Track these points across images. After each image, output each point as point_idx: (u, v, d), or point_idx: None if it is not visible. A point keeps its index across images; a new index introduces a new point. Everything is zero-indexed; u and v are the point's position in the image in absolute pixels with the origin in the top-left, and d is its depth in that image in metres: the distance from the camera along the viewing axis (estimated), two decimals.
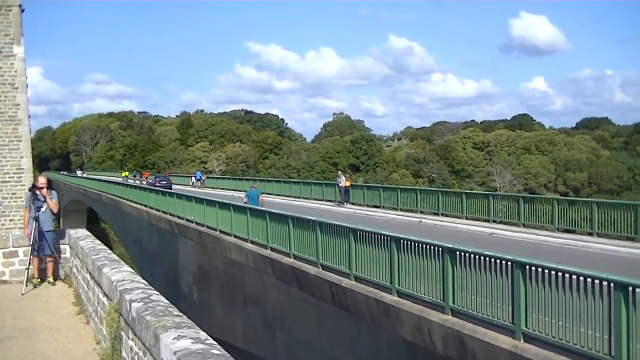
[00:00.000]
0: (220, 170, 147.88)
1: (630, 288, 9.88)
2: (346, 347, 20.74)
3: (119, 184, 65.16)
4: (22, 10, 21.56)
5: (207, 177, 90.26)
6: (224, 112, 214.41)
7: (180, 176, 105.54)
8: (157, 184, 74.21)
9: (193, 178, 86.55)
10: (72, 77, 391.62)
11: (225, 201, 30.81)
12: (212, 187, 75.54)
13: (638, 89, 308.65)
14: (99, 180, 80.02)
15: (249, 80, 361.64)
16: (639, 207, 23.49)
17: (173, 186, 73.21)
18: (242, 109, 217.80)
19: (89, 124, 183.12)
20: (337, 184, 46.41)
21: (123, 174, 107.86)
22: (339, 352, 21.19)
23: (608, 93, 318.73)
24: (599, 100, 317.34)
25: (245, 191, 42.82)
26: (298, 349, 24.16)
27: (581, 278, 10.73)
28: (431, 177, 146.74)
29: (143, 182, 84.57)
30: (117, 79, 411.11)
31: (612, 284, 10.15)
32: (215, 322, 31.52)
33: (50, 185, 18.52)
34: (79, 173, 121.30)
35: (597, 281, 10.42)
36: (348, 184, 46.32)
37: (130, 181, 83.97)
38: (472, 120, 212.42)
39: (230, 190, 66.86)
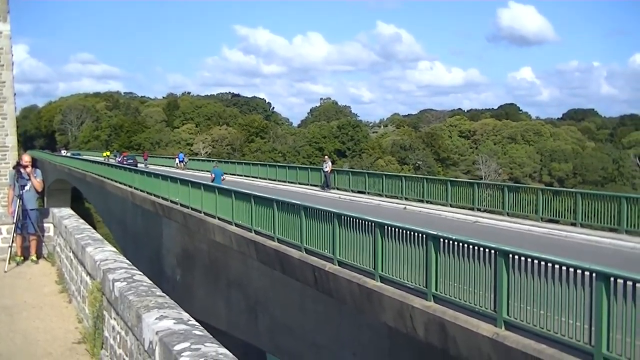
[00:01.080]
0: (206, 152, 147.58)
1: (612, 279, 9.94)
2: (329, 332, 20.79)
3: (103, 163, 64.91)
4: None
5: (190, 159, 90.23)
6: (210, 94, 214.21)
7: (165, 157, 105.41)
8: (124, 163, 77.25)
9: (177, 159, 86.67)
10: (58, 56, 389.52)
11: (210, 183, 30.78)
12: (196, 169, 75.51)
13: (624, 82, 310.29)
14: (81, 160, 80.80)
15: (236, 64, 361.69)
16: (622, 199, 23.59)
17: (159, 167, 73.73)
18: (229, 92, 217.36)
19: (75, 103, 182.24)
20: (322, 169, 46.36)
21: (104, 154, 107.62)
22: (321, 337, 21.23)
23: (594, 85, 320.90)
24: (586, 91, 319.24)
25: (225, 173, 45.74)
26: (280, 333, 24.20)
27: (564, 268, 10.78)
28: (417, 165, 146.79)
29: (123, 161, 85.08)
30: (103, 59, 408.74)
31: (594, 274, 10.21)
32: (198, 305, 31.50)
33: (34, 163, 18.46)
34: (63, 152, 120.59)
35: (579, 271, 10.48)
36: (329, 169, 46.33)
37: (112, 161, 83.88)
38: (459, 109, 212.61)
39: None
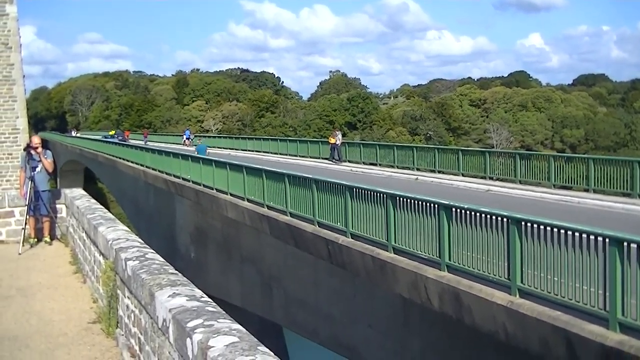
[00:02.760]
0: (217, 129, 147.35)
1: (625, 243, 9.90)
2: (343, 305, 20.84)
3: (115, 143, 65.02)
4: None
5: (196, 136, 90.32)
6: (219, 70, 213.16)
7: (169, 135, 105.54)
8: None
9: (183, 136, 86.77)
10: (66, 36, 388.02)
11: (222, 159, 30.77)
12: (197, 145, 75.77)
13: (634, 45, 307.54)
14: (86, 139, 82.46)
15: (244, 39, 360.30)
16: (635, 164, 23.44)
17: (169, 145, 74.09)
18: (238, 68, 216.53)
19: (85, 83, 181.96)
20: (336, 143, 46.22)
21: (110, 133, 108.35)
22: (335, 310, 21.30)
23: (604, 49, 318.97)
24: (595, 56, 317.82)
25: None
26: (295, 307, 24.28)
27: (576, 234, 10.74)
28: (428, 135, 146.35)
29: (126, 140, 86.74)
30: (111, 38, 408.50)
31: (607, 240, 10.16)
32: (212, 281, 31.62)
33: (45, 145, 18.49)
34: (73, 133, 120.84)
35: (592, 237, 10.43)
36: (333, 141, 46.21)
37: (115, 140, 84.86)
38: (469, 78, 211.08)
39: (226, 149, 66.74)
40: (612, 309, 10.06)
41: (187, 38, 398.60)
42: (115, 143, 57.68)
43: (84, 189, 21.52)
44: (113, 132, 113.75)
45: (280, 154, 55.83)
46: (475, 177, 31.30)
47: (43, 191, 17.94)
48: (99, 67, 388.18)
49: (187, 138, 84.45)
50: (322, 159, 47.79)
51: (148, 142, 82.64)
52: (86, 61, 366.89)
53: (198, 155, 36.25)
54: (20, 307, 12.13)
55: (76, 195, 18.56)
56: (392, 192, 16.52)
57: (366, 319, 19.44)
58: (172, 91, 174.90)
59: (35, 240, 18.00)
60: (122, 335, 9.64)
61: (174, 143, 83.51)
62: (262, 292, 26.99)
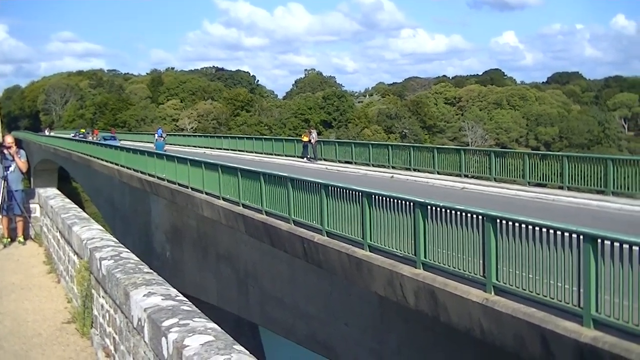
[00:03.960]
0: (192, 127, 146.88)
1: (599, 240, 9.95)
2: (319, 303, 20.84)
3: (89, 142, 64.65)
4: None
5: (168, 134, 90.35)
6: (194, 69, 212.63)
7: (143, 134, 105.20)
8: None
9: (156, 135, 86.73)
10: (39, 35, 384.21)
11: (197, 158, 30.69)
12: (176, 144, 75.56)
13: (607, 43, 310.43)
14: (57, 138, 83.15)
15: (218, 38, 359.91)
16: (608, 161, 23.61)
17: (143, 144, 73.95)
18: (213, 66, 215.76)
19: (58, 82, 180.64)
20: (310, 141, 46.27)
21: (81, 131, 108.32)
22: (312, 308, 21.30)
23: (578, 48, 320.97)
24: (569, 54, 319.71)
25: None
26: (271, 305, 24.26)
27: (551, 231, 10.80)
28: (403, 133, 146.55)
29: (94, 138, 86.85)
30: (84, 37, 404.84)
31: (581, 236, 10.21)
32: (189, 280, 31.55)
33: (18, 144, 18.36)
34: (46, 132, 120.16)
35: (566, 234, 10.49)
36: (306, 139, 46.35)
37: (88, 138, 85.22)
38: (444, 76, 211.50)
39: (202, 148, 66.61)
40: (587, 306, 10.12)
41: (162, 37, 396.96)
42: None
43: (58, 189, 21.39)
44: (83, 130, 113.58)
45: (256, 152, 55.80)
46: (451, 175, 31.40)
47: (16, 191, 17.80)
48: (72, 66, 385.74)
49: (159, 136, 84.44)
50: (298, 157, 47.83)
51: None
52: (60, 60, 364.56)
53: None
54: None
55: (50, 195, 18.43)
56: (367, 190, 16.54)
57: (343, 316, 19.46)
58: (146, 90, 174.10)
59: (9, 240, 17.86)
60: (97, 335, 9.58)
61: (147, 142, 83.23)
62: (238, 290, 26.95)
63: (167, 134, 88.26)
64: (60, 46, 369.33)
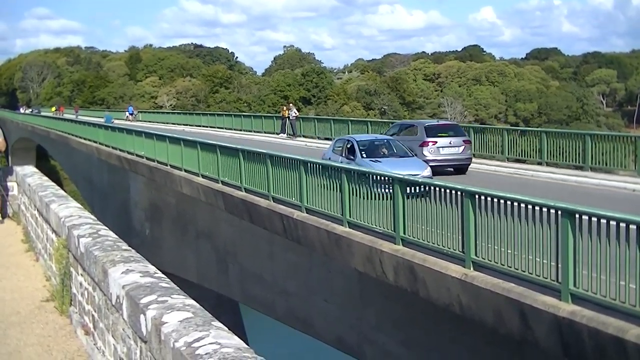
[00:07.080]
0: (171, 105, 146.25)
1: (577, 215, 9.99)
2: (299, 280, 20.88)
3: (67, 120, 64.30)
4: None
5: (143, 112, 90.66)
6: (172, 46, 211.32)
7: (118, 111, 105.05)
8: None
9: (126, 112, 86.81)
10: (12, 12, 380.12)
11: (175, 135, 30.56)
12: (149, 121, 75.61)
13: (585, 19, 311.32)
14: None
15: (195, 14, 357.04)
16: (587, 137, 23.74)
17: (115, 121, 74.05)
18: (192, 43, 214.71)
19: (35, 59, 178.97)
20: (289, 117, 46.23)
21: (52, 109, 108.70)
22: (291, 285, 21.33)
23: (556, 23, 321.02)
24: (547, 30, 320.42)
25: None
26: (251, 282, 24.28)
27: (529, 206, 10.83)
28: (382, 109, 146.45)
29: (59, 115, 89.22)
30: (60, 13, 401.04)
31: (559, 212, 10.25)
32: (168, 258, 31.49)
33: None
34: (22, 110, 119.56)
35: (544, 209, 10.53)
36: (285, 114, 46.45)
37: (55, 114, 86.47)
38: (423, 52, 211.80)
39: (180, 125, 66.39)
40: (565, 280, 10.17)
41: (138, 13, 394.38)
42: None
43: (37, 167, 21.27)
44: (53, 108, 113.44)
45: (235, 129, 55.70)
46: None
47: None
48: (49, 43, 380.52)
49: (130, 114, 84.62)
50: (277, 134, 47.76)
51: (79, 117, 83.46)
52: (35, 37, 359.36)
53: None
54: None
55: (28, 173, 18.32)
56: (346, 166, 16.53)
57: (322, 293, 19.50)
58: (124, 67, 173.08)
59: None
60: (76, 312, 9.56)
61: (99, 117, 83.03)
62: (218, 268, 26.94)
63: (139, 111, 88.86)
64: (36, 23, 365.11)
